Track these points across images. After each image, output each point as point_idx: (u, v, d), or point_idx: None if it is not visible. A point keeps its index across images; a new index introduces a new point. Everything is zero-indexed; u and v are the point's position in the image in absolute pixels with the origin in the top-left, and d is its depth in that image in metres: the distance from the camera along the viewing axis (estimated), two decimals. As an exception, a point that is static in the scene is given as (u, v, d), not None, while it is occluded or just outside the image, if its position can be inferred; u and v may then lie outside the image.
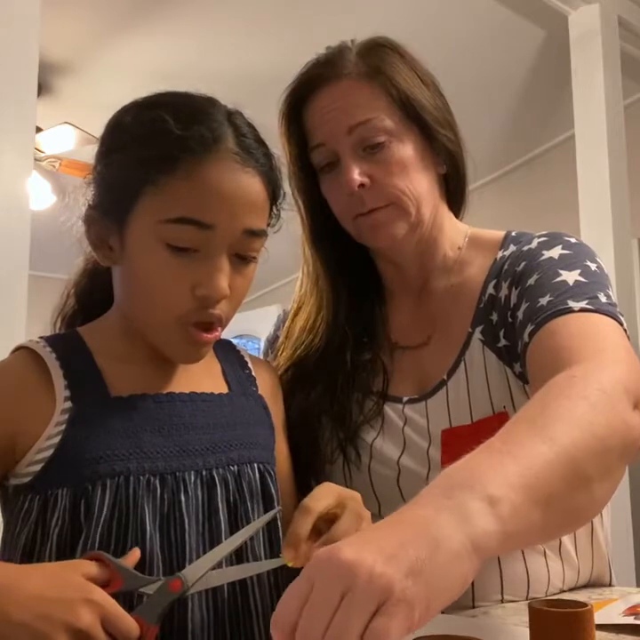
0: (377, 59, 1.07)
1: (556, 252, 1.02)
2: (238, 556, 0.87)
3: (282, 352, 1.17)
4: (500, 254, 1.10)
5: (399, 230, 1.07)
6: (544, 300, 0.96)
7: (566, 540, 1.07)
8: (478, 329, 1.06)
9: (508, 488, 0.63)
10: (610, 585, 1.13)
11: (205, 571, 0.78)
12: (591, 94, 3.10)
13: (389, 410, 1.10)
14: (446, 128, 1.09)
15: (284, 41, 3.43)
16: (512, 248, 1.09)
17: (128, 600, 0.77)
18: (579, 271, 0.98)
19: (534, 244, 1.06)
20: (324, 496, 0.83)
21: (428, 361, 1.11)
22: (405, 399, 1.10)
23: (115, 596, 0.74)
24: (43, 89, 3.42)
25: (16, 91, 1.74)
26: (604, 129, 3.04)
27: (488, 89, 3.78)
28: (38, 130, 3.31)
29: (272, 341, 1.26)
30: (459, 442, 1.00)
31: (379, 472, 1.08)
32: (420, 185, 1.07)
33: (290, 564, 0.79)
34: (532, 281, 1.00)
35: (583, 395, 0.76)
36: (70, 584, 0.72)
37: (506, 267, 1.06)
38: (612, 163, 3.03)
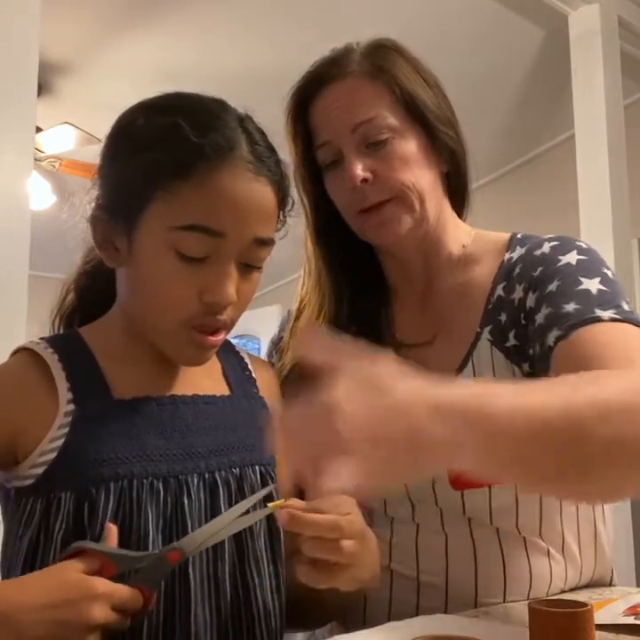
0: (380, 58, 1.09)
1: (572, 258, 1.03)
2: (239, 554, 0.87)
3: (287, 352, 1.17)
4: (507, 256, 1.10)
5: (404, 226, 1.08)
6: (570, 308, 0.96)
7: (571, 539, 1.07)
8: (487, 329, 1.07)
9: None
10: (610, 585, 1.13)
11: (201, 543, 0.78)
12: (591, 94, 3.10)
13: None
14: (448, 127, 1.10)
15: (282, 41, 3.43)
16: (519, 250, 1.10)
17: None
18: (599, 279, 1.00)
19: (546, 248, 1.06)
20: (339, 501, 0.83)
21: (434, 359, 1.11)
22: None
23: (113, 580, 0.74)
24: (43, 89, 3.42)
25: (16, 91, 1.74)
26: (604, 129, 3.04)
27: (488, 89, 3.78)
28: (38, 130, 3.31)
29: (276, 342, 1.26)
30: None
31: None
32: (423, 180, 1.07)
33: (277, 517, 0.78)
34: (553, 287, 1.00)
35: (615, 382, 0.77)
36: (70, 583, 0.72)
37: (518, 270, 1.07)
38: (612, 163, 3.03)
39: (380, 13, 3.22)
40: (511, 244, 1.12)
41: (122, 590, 0.73)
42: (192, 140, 0.81)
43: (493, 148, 4.16)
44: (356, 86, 1.07)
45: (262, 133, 0.88)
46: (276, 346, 1.24)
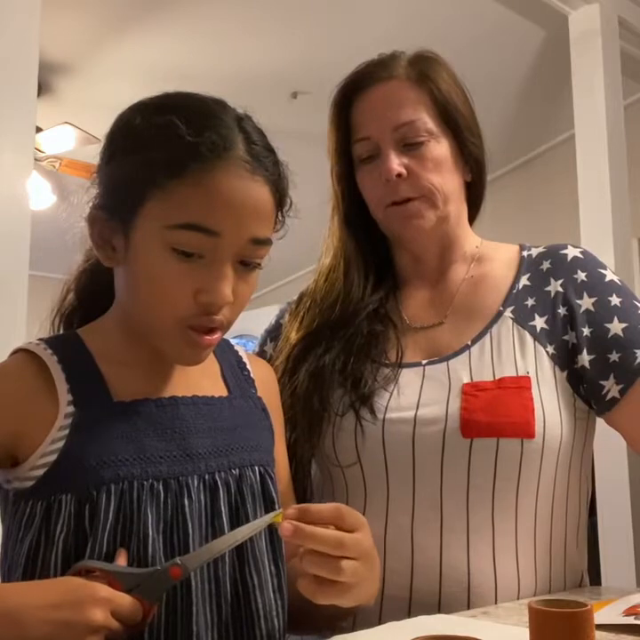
0: (425, 66, 1.18)
1: (612, 275, 1.17)
2: (239, 555, 0.87)
3: (302, 320, 1.21)
4: (525, 253, 1.22)
5: (427, 221, 1.16)
6: None
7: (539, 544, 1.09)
8: (509, 308, 1.16)
9: None
10: (588, 585, 1.15)
11: (204, 561, 0.78)
12: (591, 94, 3.09)
13: (407, 372, 1.14)
14: (477, 138, 1.21)
15: (281, 42, 3.44)
16: (536, 249, 1.21)
17: None
18: None
19: (573, 252, 1.18)
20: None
21: (445, 337, 1.17)
22: (425, 362, 1.15)
23: None
24: (43, 89, 3.43)
25: (16, 91, 1.74)
26: (604, 129, 3.04)
27: (488, 89, 3.76)
28: (38, 130, 3.31)
29: (270, 330, 1.30)
30: (480, 394, 1.08)
31: (393, 428, 1.09)
32: (449, 184, 1.17)
33: (279, 520, 0.79)
34: (616, 302, 1.12)
35: None
36: (73, 586, 0.73)
37: (548, 265, 1.18)
38: (612, 163, 3.03)
39: (379, 14, 3.22)
40: (523, 246, 1.24)
41: (122, 597, 0.74)
42: (187, 139, 0.81)
43: (493, 148, 4.16)
44: (400, 89, 1.16)
45: (261, 133, 0.88)
46: (271, 333, 1.29)
